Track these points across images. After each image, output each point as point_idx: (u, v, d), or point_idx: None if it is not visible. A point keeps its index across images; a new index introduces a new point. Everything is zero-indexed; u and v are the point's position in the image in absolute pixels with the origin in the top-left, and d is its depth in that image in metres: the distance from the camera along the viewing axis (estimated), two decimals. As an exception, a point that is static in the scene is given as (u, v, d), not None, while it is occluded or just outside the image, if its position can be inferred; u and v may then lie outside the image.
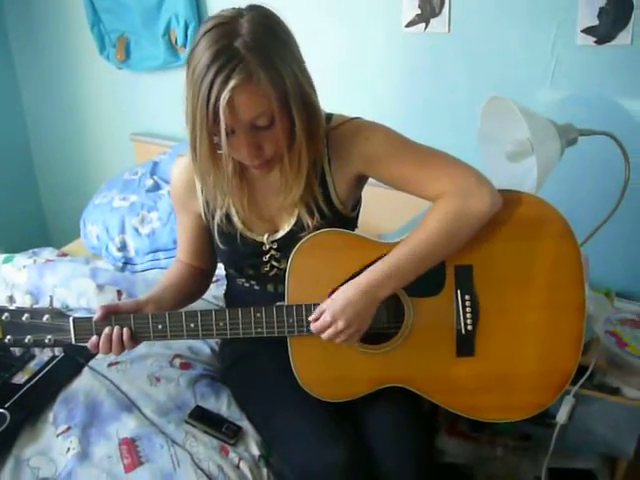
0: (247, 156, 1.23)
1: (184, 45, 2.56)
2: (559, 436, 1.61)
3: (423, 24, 2.11)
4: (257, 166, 1.28)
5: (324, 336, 1.32)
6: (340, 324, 1.30)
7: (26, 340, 1.38)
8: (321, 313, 1.33)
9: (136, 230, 2.32)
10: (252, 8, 1.21)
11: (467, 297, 1.39)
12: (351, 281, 1.32)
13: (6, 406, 1.49)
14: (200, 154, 1.24)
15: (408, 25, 2.14)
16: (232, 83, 1.12)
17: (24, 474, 1.37)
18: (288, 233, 1.42)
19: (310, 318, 1.34)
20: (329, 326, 1.31)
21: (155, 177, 2.50)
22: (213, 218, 1.44)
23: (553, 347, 1.42)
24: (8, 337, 1.38)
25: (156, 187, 2.45)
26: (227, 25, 1.16)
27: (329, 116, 1.38)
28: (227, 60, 1.13)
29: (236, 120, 1.17)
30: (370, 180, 1.45)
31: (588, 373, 1.57)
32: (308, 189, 1.35)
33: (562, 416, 1.58)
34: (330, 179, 1.39)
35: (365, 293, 1.30)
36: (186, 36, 2.53)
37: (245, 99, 1.15)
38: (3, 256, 2.24)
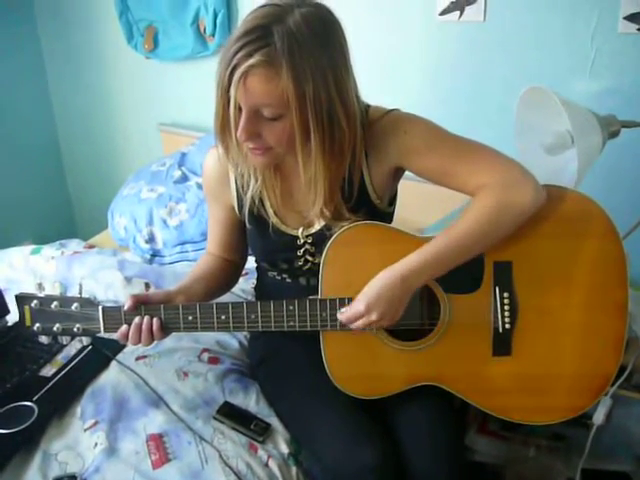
0: (240, 136, 1.21)
1: (213, 34, 2.53)
2: (595, 437, 1.56)
3: (458, 12, 2.07)
4: (251, 150, 1.26)
5: (354, 326, 1.29)
6: (374, 315, 1.26)
7: (55, 328, 1.36)
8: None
9: (164, 222, 2.30)
10: (316, 5, 1.19)
11: (506, 295, 1.35)
12: (386, 268, 1.28)
13: (34, 399, 1.49)
14: (217, 126, 1.25)
15: (442, 13, 2.10)
16: (251, 61, 1.12)
17: (52, 469, 1.36)
18: (323, 227, 1.39)
19: (342, 310, 1.30)
20: (361, 316, 1.27)
21: (183, 168, 2.48)
22: (246, 209, 1.42)
23: (593, 349, 1.38)
24: (37, 325, 1.36)
25: (184, 178, 2.44)
26: (279, 8, 1.15)
27: (366, 107, 1.35)
28: (257, 38, 1.12)
29: (243, 98, 1.17)
30: (405, 174, 1.42)
31: (627, 373, 1.52)
32: (340, 189, 1.33)
33: (599, 417, 1.54)
34: (367, 173, 1.36)
35: (401, 281, 1.25)
36: (215, 25, 2.51)
37: (257, 82, 1.14)
38: (31, 247, 2.25)
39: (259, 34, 1.12)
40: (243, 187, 1.41)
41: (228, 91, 1.16)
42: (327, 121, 1.19)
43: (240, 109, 1.19)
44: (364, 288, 1.28)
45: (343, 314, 1.30)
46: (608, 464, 1.73)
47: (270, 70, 1.13)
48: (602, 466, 1.72)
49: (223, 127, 1.25)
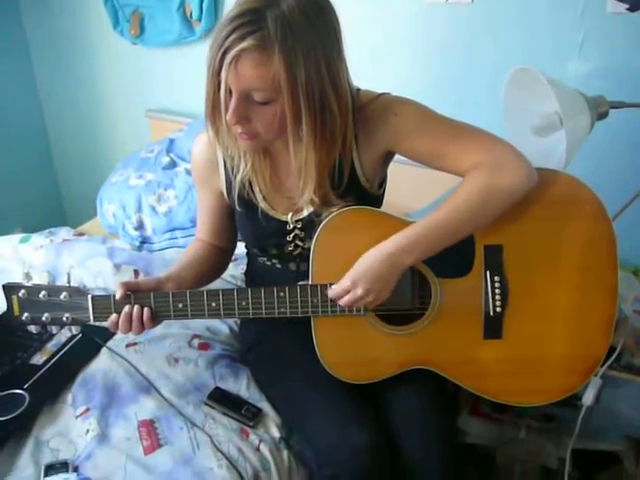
0: (230, 120, 1.20)
1: (199, 19, 2.50)
2: (585, 418, 1.58)
3: (445, -6, 2.05)
4: (239, 135, 1.25)
5: (341, 302, 1.29)
6: (359, 290, 1.26)
7: (43, 318, 1.35)
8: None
9: (153, 209, 2.29)
10: None
11: (497, 278, 1.35)
12: (376, 245, 1.28)
13: (25, 387, 1.49)
14: (207, 109, 1.24)
15: (430, -5, 2.08)
16: (243, 44, 1.11)
17: (44, 455, 1.36)
18: (312, 213, 1.38)
19: (332, 286, 1.30)
20: (348, 291, 1.27)
21: (171, 154, 2.46)
22: (235, 194, 1.42)
23: (583, 331, 1.39)
24: (25, 315, 1.35)
25: (172, 165, 2.42)
26: None
27: (357, 91, 1.34)
28: (250, 21, 1.11)
29: (234, 81, 1.15)
30: (395, 157, 1.41)
31: (616, 354, 1.53)
32: (329, 175, 1.32)
33: (588, 398, 1.55)
34: (357, 157, 1.35)
35: (390, 257, 1.25)
36: (201, 10, 2.48)
37: (249, 66, 1.13)
38: (20, 236, 2.23)
39: (252, 17, 1.11)
40: (233, 170, 1.40)
41: (219, 74, 1.15)
42: (319, 107, 1.18)
43: (231, 92, 1.18)
44: (353, 265, 1.28)
45: (331, 290, 1.30)
46: (598, 444, 1.75)
47: (262, 54, 1.12)
48: (592, 446, 1.74)
49: (213, 110, 1.24)
